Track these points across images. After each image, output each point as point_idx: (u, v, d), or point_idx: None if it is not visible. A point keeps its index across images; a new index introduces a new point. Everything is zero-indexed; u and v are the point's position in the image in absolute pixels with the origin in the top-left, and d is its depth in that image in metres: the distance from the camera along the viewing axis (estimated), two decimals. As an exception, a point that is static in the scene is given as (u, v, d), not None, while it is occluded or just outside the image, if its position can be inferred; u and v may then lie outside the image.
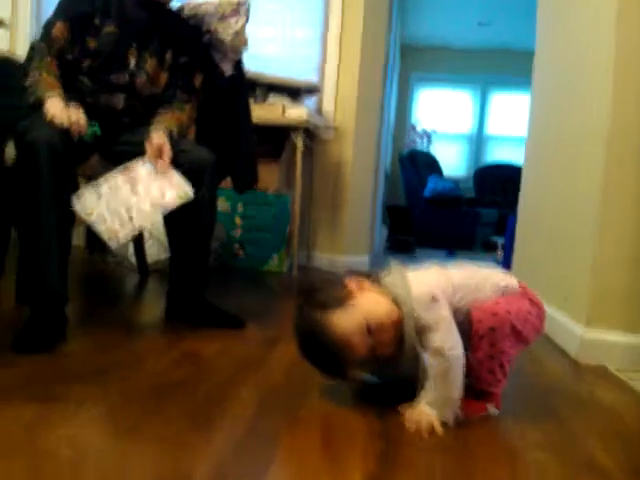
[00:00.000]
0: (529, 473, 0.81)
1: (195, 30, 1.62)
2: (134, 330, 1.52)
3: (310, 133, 2.80)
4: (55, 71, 1.41)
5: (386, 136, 4.03)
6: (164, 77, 1.57)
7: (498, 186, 5.69)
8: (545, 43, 2.34)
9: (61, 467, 0.70)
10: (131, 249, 2.37)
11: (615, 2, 1.51)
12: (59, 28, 1.43)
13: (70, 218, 1.35)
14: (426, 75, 6.33)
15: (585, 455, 0.90)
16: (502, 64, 5.97)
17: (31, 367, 1.07)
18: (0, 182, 1.51)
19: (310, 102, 2.92)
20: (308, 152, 2.89)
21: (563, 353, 1.60)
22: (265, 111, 2.56)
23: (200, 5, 1.64)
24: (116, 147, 1.53)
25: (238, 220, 2.73)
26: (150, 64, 1.53)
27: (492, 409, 1.01)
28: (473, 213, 5.36)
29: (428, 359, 0.96)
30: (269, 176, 2.65)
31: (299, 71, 2.98)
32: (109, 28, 1.46)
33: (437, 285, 0.99)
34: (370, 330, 0.95)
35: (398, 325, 0.97)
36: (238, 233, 2.73)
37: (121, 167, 1.37)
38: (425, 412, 0.93)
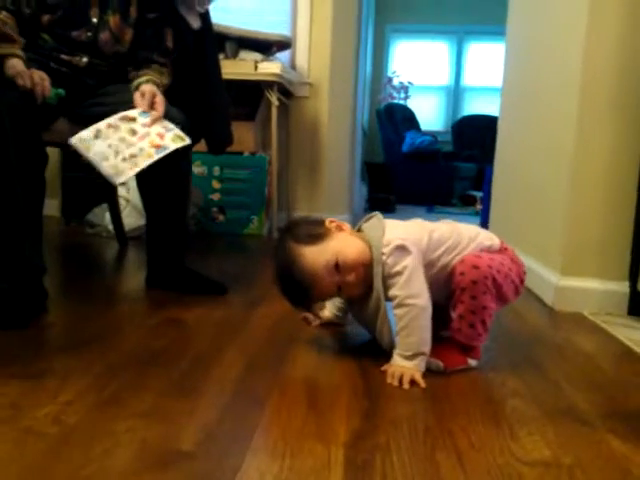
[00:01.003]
0: (509, 420, 0.84)
1: None
2: (115, 299, 1.50)
3: (284, 89, 2.73)
4: (14, 26, 1.33)
5: (362, 91, 3.96)
6: (129, 33, 1.50)
7: (476, 138, 5.68)
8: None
9: (49, 445, 0.70)
10: (108, 217, 2.33)
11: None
12: None
13: (40, 186, 1.31)
14: (402, 26, 6.18)
15: (563, 401, 0.93)
16: (478, 13, 5.85)
17: (12, 343, 1.06)
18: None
19: (283, 57, 2.84)
20: (283, 110, 2.83)
21: (540, 302, 1.65)
22: (236, 67, 2.49)
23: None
24: (85, 109, 1.47)
25: (216, 184, 2.69)
26: (113, 20, 1.45)
27: (472, 361, 1.04)
28: (451, 167, 5.36)
29: (393, 310, 0.98)
30: (244, 137, 2.59)
31: (270, 24, 2.88)
32: None
33: (409, 235, 1.00)
34: (338, 268, 0.98)
35: (367, 268, 0.99)
36: (217, 197, 2.70)
37: (117, 114, 1.36)
38: (404, 366, 0.95)
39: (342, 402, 0.87)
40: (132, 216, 2.37)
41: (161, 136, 1.35)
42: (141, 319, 1.30)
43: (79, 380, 0.89)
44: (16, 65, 1.26)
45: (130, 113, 1.38)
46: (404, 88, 6.11)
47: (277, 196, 2.73)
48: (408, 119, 5.77)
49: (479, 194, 4.52)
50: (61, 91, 1.33)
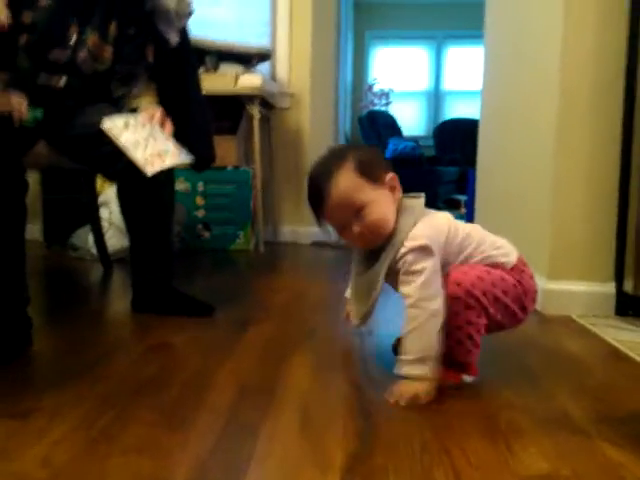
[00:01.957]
0: (505, 435, 0.83)
1: None
2: (101, 326, 1.48)
3: (266, 102, 2.73)
4: None
5: (344, 99, 3.98)
6: (108, 51, 1.48)
7: (458, 141, 5.73)
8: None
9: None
10: (91, 240, 2.30)
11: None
12: None
13: (21, 215, 1.28)
14: (381, 33, 6.23)
15: (557, 410, 0.93)
16: (456, 17, 5.92)
17: (-4, 379, 1.03)
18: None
19: (263, 68, 2.84)
20: (265, 122, 2.83)
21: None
22: (217, 81, 2.48)
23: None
24: (64, 131, 1.45)
25: (200, 200, 2.67)
26: (92, 39, 1.44)
27: (467, 378, 1.02)
28: (434, 171, 5.40)
29: (405, 311, 0.96)
30: (227, 151, 2.58)
31: (250, 35, 2.88)
32: (44, 1, 1.36)
33: (439, 237, 0.98)
34: (357, 214, 0.97)
35: (377, 238, 0.99)
36: (201, 213, 2.68)
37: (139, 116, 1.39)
38: (407, 385, 0.94)
39: (337, 424, 0.86)
40: (115, 237, 2.34)
41: (177, 147, 1.41)
42: (128, 346, 1.28)
43: (67, 416, 0.87)
44: None
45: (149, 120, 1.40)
46: (385, 95, 6.15)
47: (263, 210, 2.72)
48: (390, 125, 5.81)
49: (463, 197, 4.55)
50: (39, 113, 1.31)
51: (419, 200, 1.04)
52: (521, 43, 1.92)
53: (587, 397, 0.99)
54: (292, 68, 2.94)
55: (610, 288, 1.55)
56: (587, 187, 1.55)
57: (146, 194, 1.46)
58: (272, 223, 2.93)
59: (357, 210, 0.97)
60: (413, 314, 0.94)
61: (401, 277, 0.97)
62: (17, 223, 1.27)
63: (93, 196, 2.21)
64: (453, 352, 0.99)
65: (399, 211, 1.01)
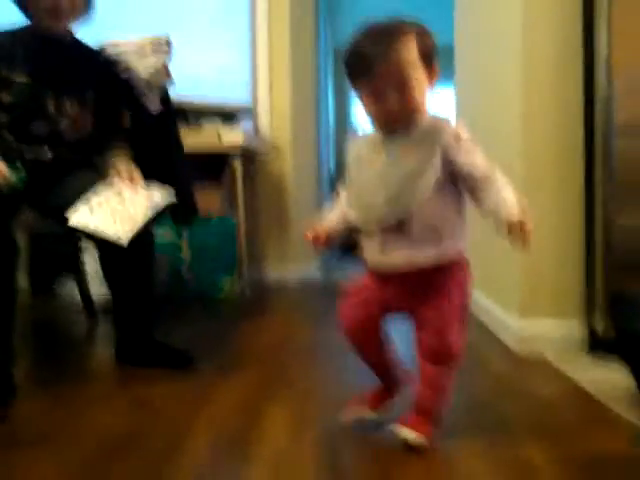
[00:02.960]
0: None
1: (112, 64, 1.58)
2: (83, 380, 1.48)
3: (249, 156, 2.81)
4: None
5: (326, 145, 4.08)
6: (89, 118, 1.55)
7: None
8: (462, 37, 2.44)
9: None
10: (76, 289, 2.31)
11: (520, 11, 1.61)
12: None
13: (11, 277, 1.31)
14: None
15: (522, 458, 0.96)
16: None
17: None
18: None
19: (245, 121, 2.93)
20: (248, 173, 2.90)
21: (502, 345, 1.68)
22: (200, 137, 2.55)
23: (121, 44, 1.62)
24: (51, 199, 1.49)
25: (185, 247, 2.70)
26: (71, 108, 1.50)
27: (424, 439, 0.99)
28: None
29: (477, 185, 0.97)
30: (211, 200, 2.64)
31: (230, 90, 2.99)
32: (20, 78, 1.43)
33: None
34: (402, 90, 0.95)
35: (409, 120, 0.98)
36: (186, 261, 2.71)
37: (102, 187, 1.45)
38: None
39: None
40: (97, 286, 2.35)
41: (148, 197, 1.45)
42: (108, 401, 1.29)
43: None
44: None
45: (114, 186, 1.45)
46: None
47: (249, 256, 2.76)
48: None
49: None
50: (22, 173, 1.35)
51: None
52: (487, 84, 2.02)
53: (555, 443, 1.01)
54: (273, 121, 3.03)
55: (582, 324, 1.58)
56: (554, 224, 1.59)
57: (125, 259, 1.49)
58: (257, 268, 2.97)
59: (403, 85, 0.95)
60: (498, 184, 0.96)
61: (461, 154, 0.96)
62: (7, 290, 1.31)
63: (75, 246, 2.23)
64: (421, 402, 1.01)
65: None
